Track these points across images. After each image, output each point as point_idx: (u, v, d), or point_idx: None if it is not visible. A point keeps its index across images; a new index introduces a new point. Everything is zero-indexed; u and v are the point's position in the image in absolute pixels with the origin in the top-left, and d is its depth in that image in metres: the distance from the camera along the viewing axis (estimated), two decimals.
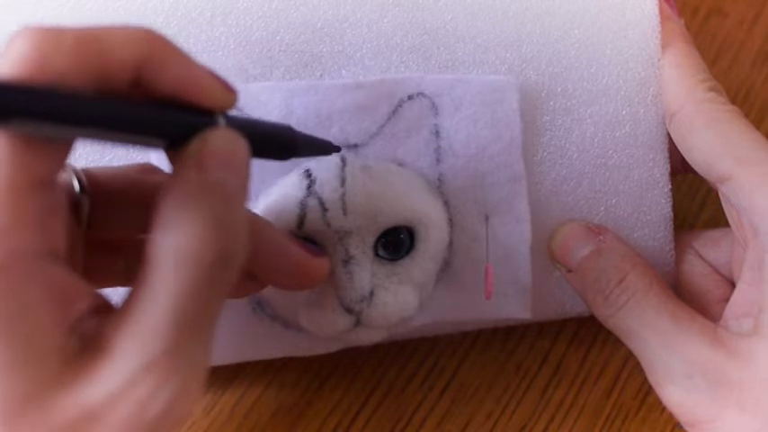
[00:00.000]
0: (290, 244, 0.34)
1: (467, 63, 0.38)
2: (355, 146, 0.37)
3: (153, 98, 0.26)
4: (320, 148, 0.35)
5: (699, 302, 0.39)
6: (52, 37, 0.24)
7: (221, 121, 0.28)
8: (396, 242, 0.37)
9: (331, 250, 0.36)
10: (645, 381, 0.38)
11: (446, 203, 0.38)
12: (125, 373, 0.25)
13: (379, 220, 0.36)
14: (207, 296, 0.26)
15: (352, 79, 0.37)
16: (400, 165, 0.37)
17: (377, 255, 0.37)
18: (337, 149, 0.35)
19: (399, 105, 0.37)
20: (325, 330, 0.37)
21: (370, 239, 0.36)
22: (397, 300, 0.37)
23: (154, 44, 0.26)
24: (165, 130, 0.27)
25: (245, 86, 0.36)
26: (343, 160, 0.36)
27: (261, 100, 0.36)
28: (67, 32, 0.25)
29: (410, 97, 0.37)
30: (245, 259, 0.28)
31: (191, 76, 0.27)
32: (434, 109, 0.37)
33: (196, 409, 0.41)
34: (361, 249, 0.36)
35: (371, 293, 0.36)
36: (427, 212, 0.37)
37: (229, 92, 0.28)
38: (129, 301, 0.26)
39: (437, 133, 0.37)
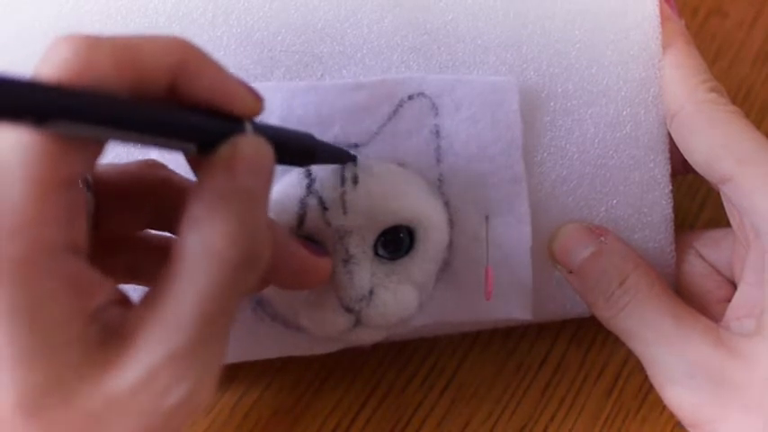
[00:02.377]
0: (293, 243, 0.34)
1: (467, 63, 0.38)
2: (356, 146, 0.37)
3: (185, 104, 0.27)
4: (338, 155, 0.35)
5: (699, 303, 0.39)
6: (91, 44, 0.25)
7: (248, 127, 0.29)
8: (395, 241, 0.37)
9: (331, 249, 0.36)
10: (645, 380, 0.38)
11: (446, 203, 0.38)
12: (148, 363, 0.26)
13: (378, 220, 0.36)
14: (230, 295, 0.27)
15: (353, 79, 0.37)
16: (401, 164, 0.37)
17: (376, 254, 0.37)
18: (353, 158, 0.36)
19: (400, 105, 0.37)
20: (324, 330, 0.37)
21: (370, 239, 0.36)
22: (397, 299, 0.37)
23: (188, 53, 0.27)
24: (198, 134, 0.28)
25: None
26: None
27: None
28: (106, 40, 0.25)
29: (411, 97, 0.37)
30: (268, 263, 0.29)
31: (223, 84, 0.28)
32: (435, 109, 0.37)
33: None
34: (361, 249, 0.36)
35: (371, 293, 0.36)
36: (427, 212, 0.37)
37: (257, 99, 0.29)
38: (153, 294, 0.27)
39: (437, 133, 0.37)
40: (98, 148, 0.27)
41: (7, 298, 0.24)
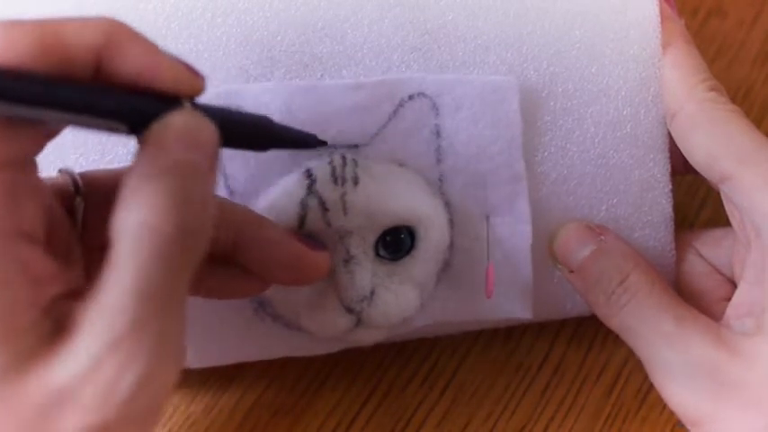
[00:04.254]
0: (289, 238, 0.34)
1: (467, 63, 0.38)
2: (356, 146, 0.37)
3: (118, 85, 0.27)
4: (301, 140, 0.34)
5: (699, 302, 0.39)
6: (13, 27, 0.25)
7: (186, 105, 0.28)
8: (396, 242, 0.37)
9: (332, 250, 0.36)
10: (645, 380, 0.38)
11: (447, 203, 0.38)
12: (91, 352, 0.25)
13: (379, 220, 0.36)
14: (169, 270, 0.26)
15: (353, 79, 0.37)
16: (401, 165, 0.37)
17: (377, 254, 0.37)
18: (323, 143, 0.35)
19: (400, 105, 0.37)
20: (326, 330, 0.37)
21: (371, 239, 0.36)
22: (398, 299, 0.37)
23: (113, 32, 0.27)
24: (124, 112, 0.27)
25: (245, 87, 0.36)
26: (344, 160, 0.36)
27: (262, 100, 0.36)
28: (28, 22, 0.25)
29: (411, 97, 0.37)
30: (210, 236, 0.28)
31: (151, 63, 0.27)
32: (435, 109, 0.37)
33: (197, 408, 0.41)
34: (362, 249, 0.36)
35: (372, 293, 0.36)
36: (427, 212, 0.37)
37: (195, 77, 0.29)
38: (96, 283, 0.26)
39: (438, 133, 0.37)
40: (40, 133, 0.27)
41: None
